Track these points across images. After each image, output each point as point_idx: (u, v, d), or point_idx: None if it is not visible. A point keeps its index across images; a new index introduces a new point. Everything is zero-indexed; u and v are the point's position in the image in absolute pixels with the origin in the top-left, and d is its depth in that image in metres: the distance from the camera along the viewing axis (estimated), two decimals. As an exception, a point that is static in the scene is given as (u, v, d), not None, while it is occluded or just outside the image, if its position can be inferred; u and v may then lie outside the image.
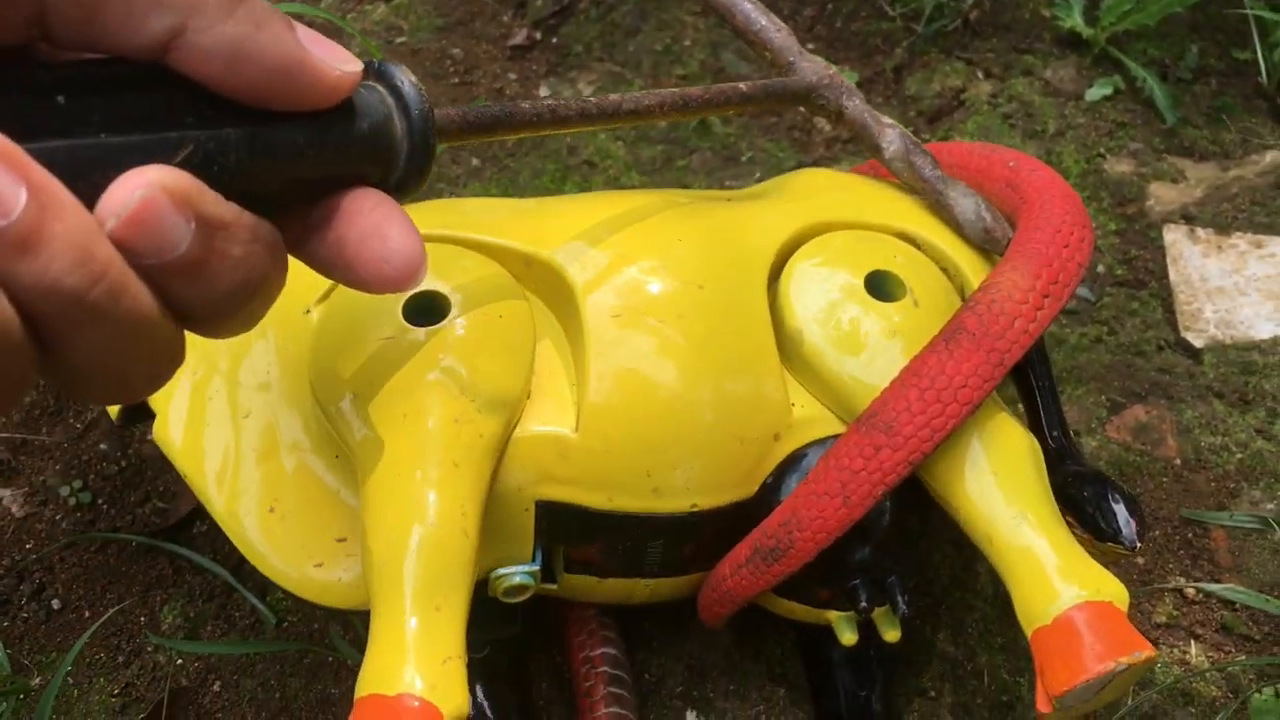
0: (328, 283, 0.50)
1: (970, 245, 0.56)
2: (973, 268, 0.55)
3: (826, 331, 0.50)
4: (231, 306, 0.28)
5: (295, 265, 0.54)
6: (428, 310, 0.48)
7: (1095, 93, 0.89)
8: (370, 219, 0.30)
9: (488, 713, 0.53)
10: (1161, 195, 0.83)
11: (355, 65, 0.29)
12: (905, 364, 0.49)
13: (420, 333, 0.47)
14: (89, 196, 0.25)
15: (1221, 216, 0.81)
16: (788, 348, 0.51)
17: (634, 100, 0.44)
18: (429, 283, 0.48)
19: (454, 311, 0.47)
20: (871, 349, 0.50)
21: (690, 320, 0.50)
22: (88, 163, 0.25)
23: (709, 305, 0.50)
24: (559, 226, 0.52)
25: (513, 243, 0.51)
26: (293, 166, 0.28)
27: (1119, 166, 0.85)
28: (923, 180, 0.56)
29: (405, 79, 0.31)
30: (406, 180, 0.31)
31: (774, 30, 0.60)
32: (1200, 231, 0.81)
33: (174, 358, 0.28)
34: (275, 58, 0.27)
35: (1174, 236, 0.80)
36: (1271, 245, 0.80)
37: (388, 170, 0.31)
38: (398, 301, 0.48)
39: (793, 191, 0.57)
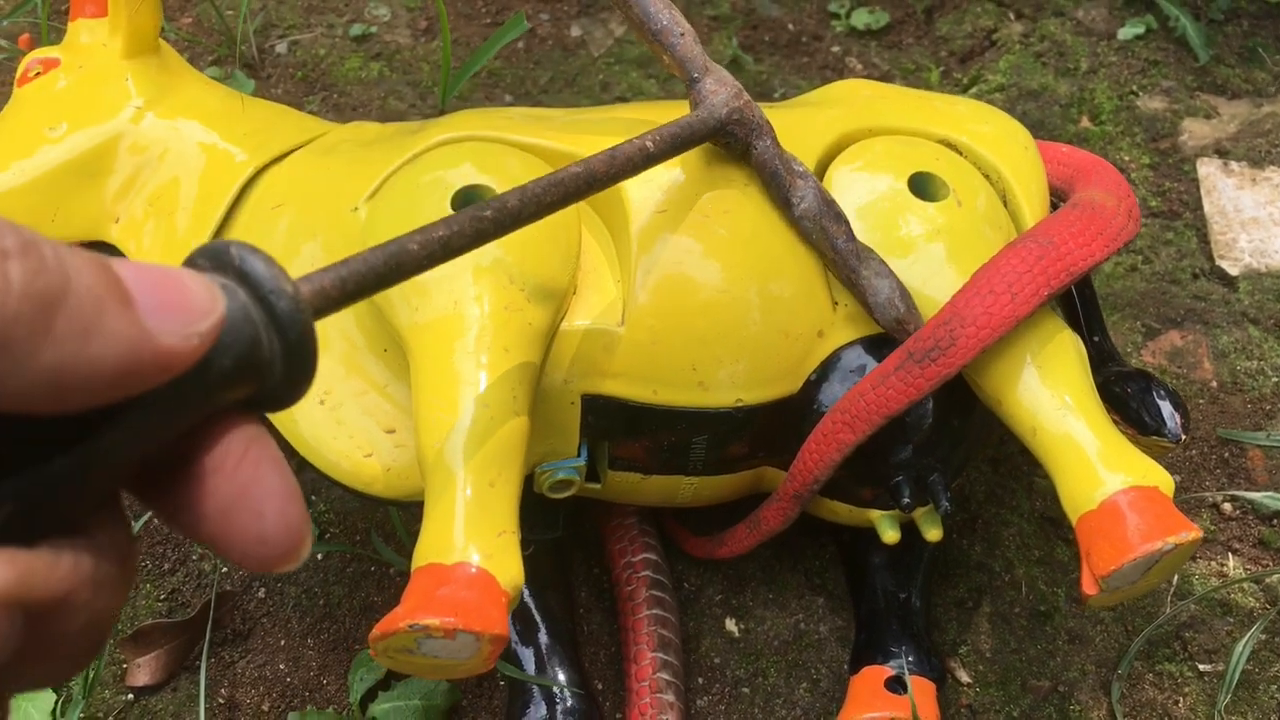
0: (374, 182, 0.51)
1: (1013, 156, 0.56)
2: (1016, 175, 0.55)
3: (870, 232, 0.51)
4: (68, 674, 0.22)
5: (338, 164, 0.54)
6: (474, 203, 0.48)
7: (1127, 32, 0.89)
8: (237, 479, 0.22)
9: (533, 610, 0.54)
10: (1195, 131, 0.83)
11: (211, 317, 0.21)
12: (951, 267, 0.50)
13: (469, 224, 0.47)
14: None
15: (1255, 151, 0.81)
16: (831, 247, 0.51)
17: (533, 197, 0.38)
18: (475, 177, 0.49)
19: (502, 204, 0.48)
20: (915, 252, 0.50)
21: (735, 216, 0.50)
22: None
23: (753, 203, 0.50)
24: (603, 131, 0.53)
25: (557, 144, 0.52)
26: (140, 449, 0.22)
27: (1152, 103, 0.85)
28: (833, 250, 0.48)
29: (271, 280, 0.23)
30: (279, 400, 0.24)
31: (676, 35, 0.50)
32: (1234, 165, 0.80)
33: None
34: (114, 360, 0.20)
35: (1208, 170, 0.80)
36: (1306, 179, 0.79)
37: (256, 390, 0.23)
38: (446, 195, 0.48)
39: (836, 99, 0.57)
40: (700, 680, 0.57)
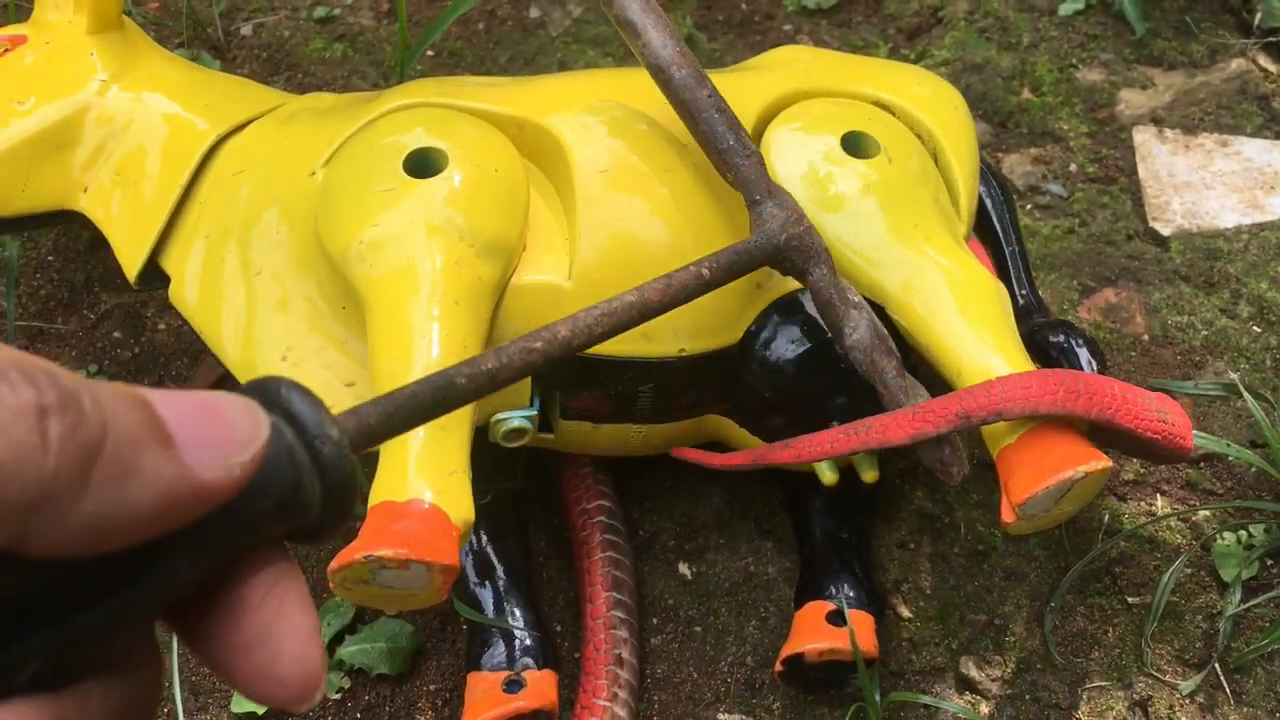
0: (331, 147, 0.53)
1: (944, 116, 0.59)
2: (947, 134, 0.58)
3: (806, 188, 0.53)
4: None
5: (296, 131, 0.57)
6: (426, 165, 0.51)
7: (1068, 7, 0.92)
8: (261, 615, 0.22)
9: (491, 556, 0.56)
10: (1131, 100, 0.86)
11: (253, 446, 0.21)
12: (882, 221, 0.52)
13: (420, 185, 0.50)
14: None
15: (1189, 119, 0.84)
16: (768, 204, 0.54)
17: (584, 328, 0.38)
18: (427, 140, 0.51)
19: (451, 166, 0.50)
20: (848, 207, 0.53)
21: (675, 175, 0.53)
22: None
23: (693, 162, 0.53)
24: (550, 96, 0.55)
25: (507, 109, 0.54)
26: (176, 589, 0.22)
27: (1090, 75, 0.88)
28: (884, 385, 0.49)
29: (317, 425, 0.23)
30: (314, 535, 0.24)
31: (742, 156, 0.50)
32: (1168, 132, 0.84)
33: None
34: (153, 500, 0.20)
35: (1143, 137, 0.83)
36: (1237, 144, 0.83)
37: (296, 525, 0.24)
38: (399, 157, 0.50)
39: (776, 64, 0.60)
40: (655, 620, 0.59)
